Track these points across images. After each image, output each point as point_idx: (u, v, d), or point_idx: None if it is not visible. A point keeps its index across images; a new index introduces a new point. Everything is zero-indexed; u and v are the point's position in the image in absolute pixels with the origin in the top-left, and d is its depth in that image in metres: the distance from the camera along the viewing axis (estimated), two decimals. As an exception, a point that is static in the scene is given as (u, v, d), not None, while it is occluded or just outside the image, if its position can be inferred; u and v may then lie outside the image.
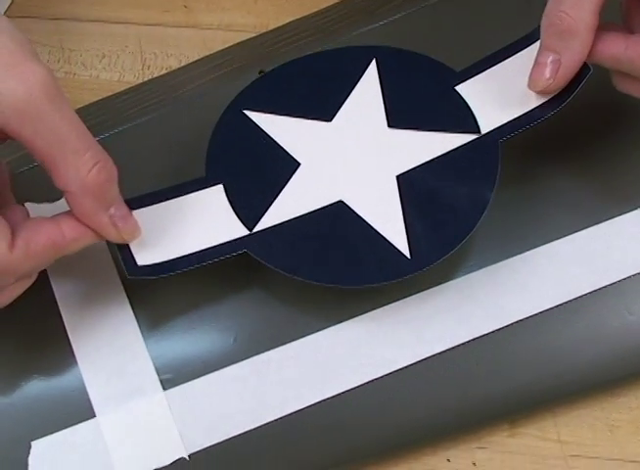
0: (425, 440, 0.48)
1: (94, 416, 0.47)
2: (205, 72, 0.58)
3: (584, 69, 0.46)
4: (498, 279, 0.49)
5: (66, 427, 0.47)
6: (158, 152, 0.54)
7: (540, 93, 0.48)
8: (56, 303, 0.50)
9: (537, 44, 0.48)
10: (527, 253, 0.50)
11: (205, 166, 0.50)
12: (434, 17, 0.58)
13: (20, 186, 0.48)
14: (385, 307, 0.49)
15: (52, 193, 0.50)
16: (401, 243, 0.47)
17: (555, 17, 0.45)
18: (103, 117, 0.56)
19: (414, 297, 0.49)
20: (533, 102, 0.48)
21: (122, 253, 0.46)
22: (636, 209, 0.51)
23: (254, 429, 0.47)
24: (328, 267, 0.47)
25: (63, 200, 0.50)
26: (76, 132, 0.41)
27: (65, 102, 0.41)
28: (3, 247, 0.41)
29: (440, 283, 0.49)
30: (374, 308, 0.49)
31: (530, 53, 0.48)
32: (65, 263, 0.47)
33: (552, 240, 0.50)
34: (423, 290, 0.49)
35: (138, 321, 0.49)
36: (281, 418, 0.47)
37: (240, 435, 0.47)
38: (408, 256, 0.47)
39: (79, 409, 0.47)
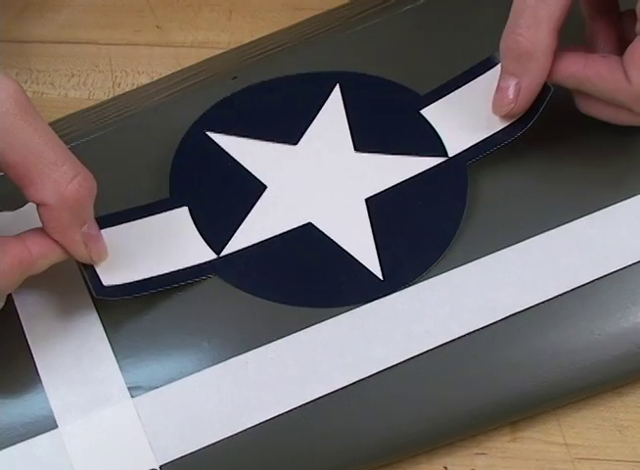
0: (418, 446, 0.45)
1: (56, 427, 0.44)
2: (176, 84, 0.56)
3: (545, 89, 0.46)
4: (490, 271, 0.47)
5: (25, 439, 0.43)
6: (124, 161, 0.52)
7: (504, 117, 0.48)
8: (15, 307, 0.46)
9: (499, 66, 0.47)
10: (521, 243, 0.47)
11: (169, 187, 0.49)
12: (404, 26, 0.56)
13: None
14: (370, 304, 0.46)
15: (12, 201, 0.48)
16: (373, 265, 0.47)
17: (511, 40, 0.45)
18: (69, 129, 0.54)
19: (401, 292, 0.46)
20: (499, 124, 0.48)
21: (87, 272, 0.45)
22: (633, 196, 0.48)
23: (232, 436, 0.43)
24: (300, 290, 0.46)
25: (25, 208, 0.48)
26: (52, 144, 0.40)
27: (37, 115, 0.40)
28: None
29: (428, 277, 0.47)
30: (358, 305, 0.46)
31: (493, 75, 0.48)
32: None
33: (546, 230, 0.48)
34: (410, 284, 0.46)
35: (103, 324, 0.46)
36: (260, 424, 0.44)
37: (216, 443, 0.43)
38: (381, 277, 0.46)
39: (40, 420, 0.44)
